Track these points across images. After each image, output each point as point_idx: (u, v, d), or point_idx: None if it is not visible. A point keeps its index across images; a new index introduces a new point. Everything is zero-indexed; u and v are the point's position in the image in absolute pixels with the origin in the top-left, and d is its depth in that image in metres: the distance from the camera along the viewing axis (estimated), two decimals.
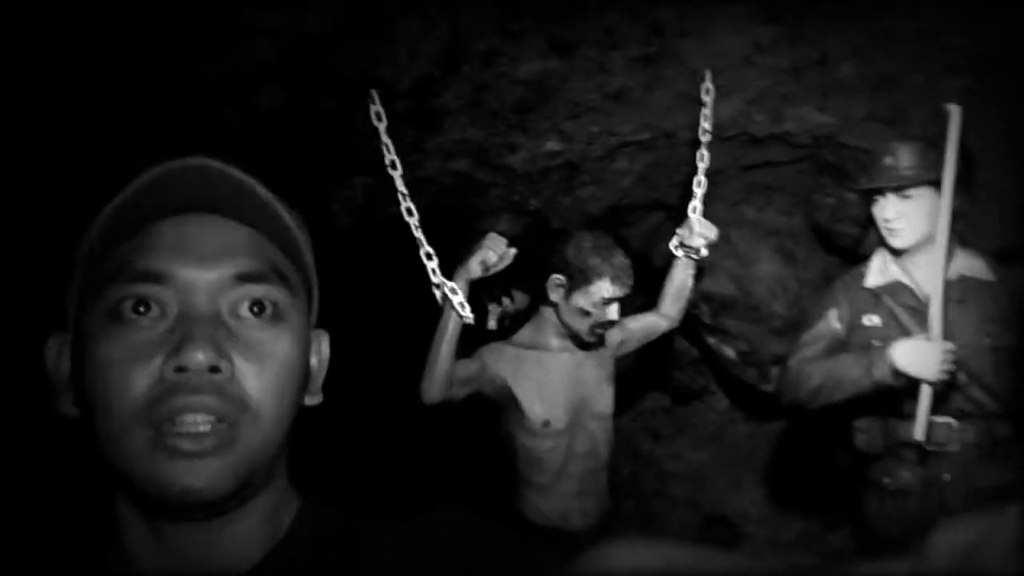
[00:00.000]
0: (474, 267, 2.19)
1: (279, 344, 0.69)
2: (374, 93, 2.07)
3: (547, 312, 2.51)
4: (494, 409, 2.53)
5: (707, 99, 2.66)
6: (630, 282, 2.42)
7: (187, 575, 0.69)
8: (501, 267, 2.24)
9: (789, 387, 2.43)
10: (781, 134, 3.04)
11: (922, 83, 2.59)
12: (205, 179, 0.68)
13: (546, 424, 2.44)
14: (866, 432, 2.43)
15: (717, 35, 2.48)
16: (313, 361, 0.78)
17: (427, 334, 2.23)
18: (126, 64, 1.40)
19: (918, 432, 2.18)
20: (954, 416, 2.28)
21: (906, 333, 2.28)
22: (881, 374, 2.20)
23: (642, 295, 3.14)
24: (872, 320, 2.38)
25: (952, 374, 2.17)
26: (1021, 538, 0.43)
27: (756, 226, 3.60)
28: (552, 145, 2.83)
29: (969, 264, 2.35)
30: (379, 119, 2.12)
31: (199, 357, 0.63)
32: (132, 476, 0.64)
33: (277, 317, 0.70)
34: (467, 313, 2.19)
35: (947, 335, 2.18)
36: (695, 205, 2.70)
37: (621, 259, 2.40)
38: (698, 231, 2.60)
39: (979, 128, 2.24)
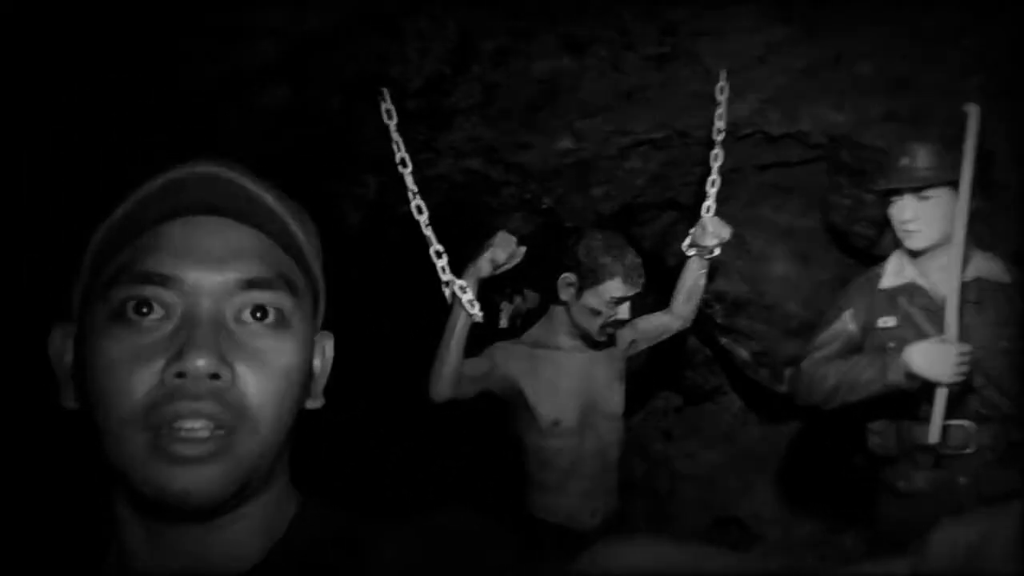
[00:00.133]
0: (484, 265, 2.18)
1: (281, 351, 0.69)
2: (385, 91, 2.07)
3: (558, 311, 2.50)
4: (503, 408, 2.52)
5: (721, 98, 2.64)
6: (641, 281, 2.41)
7: (185, 575, 0.69)
8: (511, 266, 2.24)
9: (803, 388, 2.42)
10: (796, 133, 3.02)
11: (940, 83, 2.56)
12: (214, 185, 0.68)
13: (556, 423, 2.43)
14: (880, 434, 2.41)
15: (732, 34, 2.46)
16: (316, 363, 0.78)
17: (436, 332, 2.23)
18: (128, 64, 1.40)
19: (933, 435, 2.16)
20: (970, 419, 2.25)
21: (922, 335, 2.26)
22: (896, 376, 2.18)
23: (654, 295, 3.13)
24: (887, 322, 2.37)
25: (968, 377, 2.15)
26: (1021, 537, 0.43)
27: (771, 226, 3.57)
28: (565, 144, 2.82)
29: (986, 266, 2.32)
30: (389, 117, 2.12)
31: (200, 363, 0.63)
32: (129, 477, 0.64)
33: (281, 324, 0.69)
34: (476, 311, 2.19)
35: (963, 337, 2.16)
36: (708, 204, 2.68)
37: (632, 258, 2.39)
38: (711, 231, 2.58)
39: (997, 129, 2.21)
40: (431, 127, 2.51)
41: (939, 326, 2.21)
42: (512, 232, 2.31)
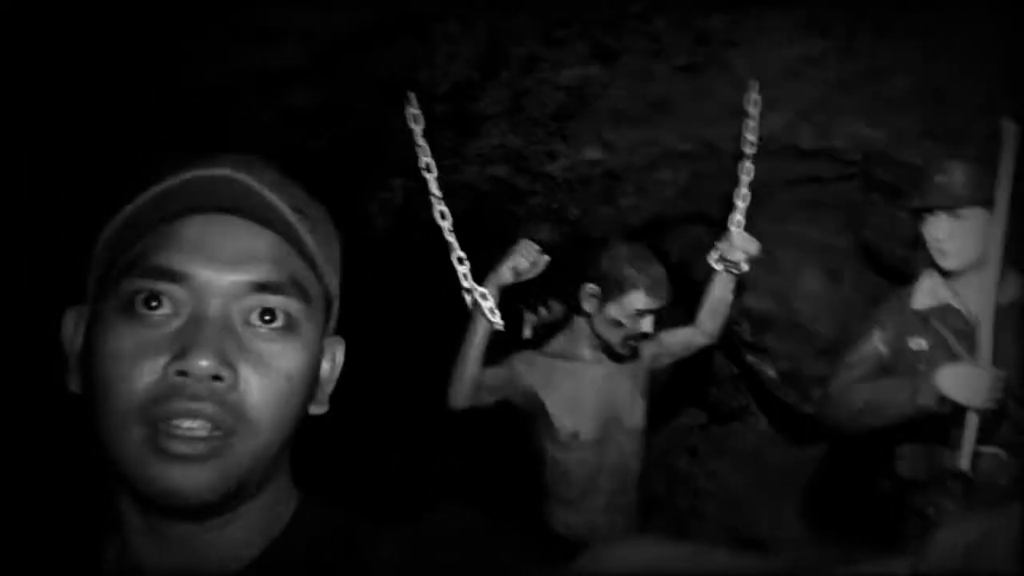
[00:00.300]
0: (505, 273, 2.17)
1: (287, 356, 0.68)
2: (411, 95, 2.07)
3: (580, 322, 2.48)
4: (523, 419, 2.50)
5: (753, 111, 2.61)
6: (666, 294, 2.38)
7: (184, 570, 0.69)
8: (533, 274, 2.22)
9: (830, 409, 2.38)
10: (830, 149, 2.97)
11: (978, 99, 2.50)
12: (233, 187, 0.67)
13: (575, 436, 2.40)
14: (909, 459, 2.36)
15: (765, 45, 2.43)
16: (325, 368, 0.77)
17: (454, 338, 2.22)
18: (149, 64, 1.41)
19: (963, 462, 2.12)
20: (1002, 447, 2.19)
21: (954, 358, 2.21)
22: (926, 400, 2.14)
23: (681, 309, 3.09)
24: (919, 343, 2.32)
25: (1001, 402, 2.09)
26: (1020, 539, 0.43)
27: (802, 242, 3.52)
28: (593, 154, 2.80)
29: (1022, 288, 2.26)
30: (415, 121, 2.12)
31: (202, 364, 0.63)
32: (124, 469, 0.64)
33: (289, 328, 0.69)
34: (497, 319, 2.18)
35: (997, 361, 2.11)
36: (737, 219, 2.65)
37: (657, 270, 2.37)
38: (739, 245, 2.55)
39: None
40: (458, 133, 2.51)
41: (972, 349, 2.16)
42: (537, 241, 2.30)
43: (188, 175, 0.67)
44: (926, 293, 2.36)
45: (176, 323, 0.65)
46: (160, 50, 1.46)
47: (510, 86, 2.31)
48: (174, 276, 0.65)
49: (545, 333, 3.03)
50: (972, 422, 2.10)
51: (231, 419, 0.64)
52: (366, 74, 1.94)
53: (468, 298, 2.21)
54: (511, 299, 2.45)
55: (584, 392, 2.44)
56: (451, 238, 2.22)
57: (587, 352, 2.49)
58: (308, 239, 0.71)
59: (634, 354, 2.52)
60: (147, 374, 0.63)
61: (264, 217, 0.69)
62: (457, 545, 0.70)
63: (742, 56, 2.46)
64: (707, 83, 2.54)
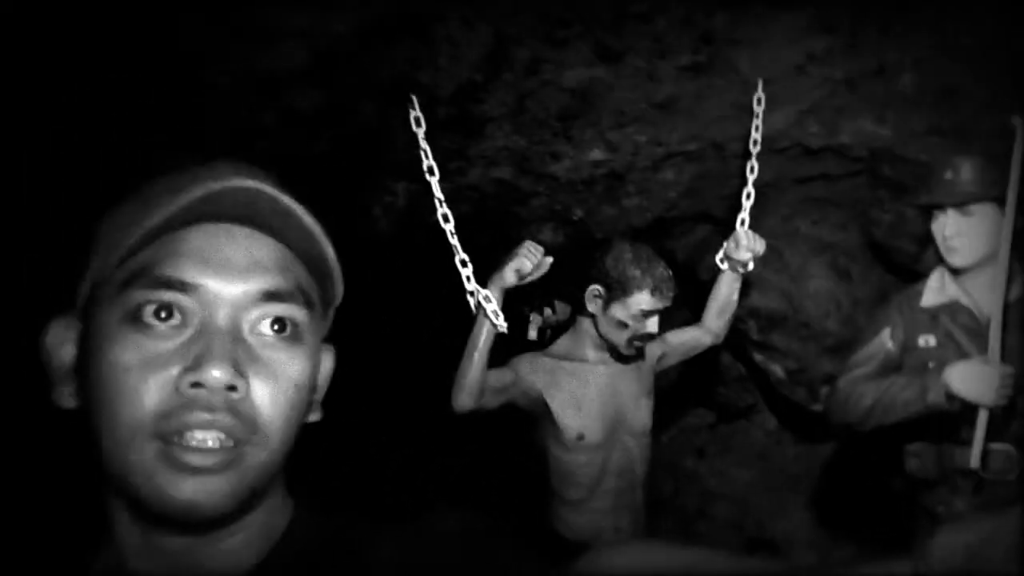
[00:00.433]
0: (508, 275, 2.16)
1: (294, 365, 0.68)
2: (413, 98, 2.06)
3: (585, 323, 2.47)
4: (527, 420, 2.49)
5: (758, 109, 2.59)
6: (671, 294, 2.37)
7: None
8: (537, 276, 2.21)
9: (839, 408, 2.37)
10: (837, 146, 2.96)
11: (985, 95, 2.48)
12: (249, 197, 0.66)
13: (580, 438, 2.39)
14: (919, 457, 2.35)
15: (770, 43, 2.41)
16: (320, 375, 0.77)
17: (458, 340, 2.21)
18: (153, 65, 1.41)
19: (974, 459, 2.10)
20: (1013, 444, 2.17)
21: (963, 355, 2.20)
22: (936, 397, 2.12)
23: (687, 309, 3.08)
24: (928, 341, 2.31)
25: (1011, 399, 2.07)
26: (1020, 540, 0.43)
27: (809, 241, 3.51)
28: (597, 154, 2.79)
29: None
30: (418, 124, 2.12)
31: (218, 375, 0.62)
32: (134, 486, 0.63)
33: (295, 337, 0.69)
34: (500, 322, 2.17)
35: (1007, 358, 2.09)
36: (743, 218, 2.63)
37: (662, 271, 2.35)
38: (745, 244, 2.53)
39: None
40: (462, 135, 2.50)
41: (982, 346, 2.14)
42: (540, 242, 2.29)
43: (211, 186, 0.65)
44: (935, 290, 2.35)
45: (184, 334, 0.64)
46: (160, 50, 1.45)
47: (513, 87, 2.30)
48: (185, 287, 0.64)
49: (550, 334, 3.03)
50: (982, 419, 2.09)
51: (244, 429, 0.64)
52: (368, 76, 1.94)
53: (471, 300, 2.20)
54: (515, 301, 2.44)
55: (589, 393, 2.42)
56: (454, 241, 2.21)
57: (592, 353, 2.48)
58: (327, 246, 0.71)
59: (639, 355, 2.50)
60: (158, 387, 0.62)
61: (277, 225, 0.69)
62: (456, 546, 0.70)
63: (746, 55, 2.45)
64: (711, 82, 2.53)
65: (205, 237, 0.67)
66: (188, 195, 0.64)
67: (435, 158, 2.19)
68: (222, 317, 0.65)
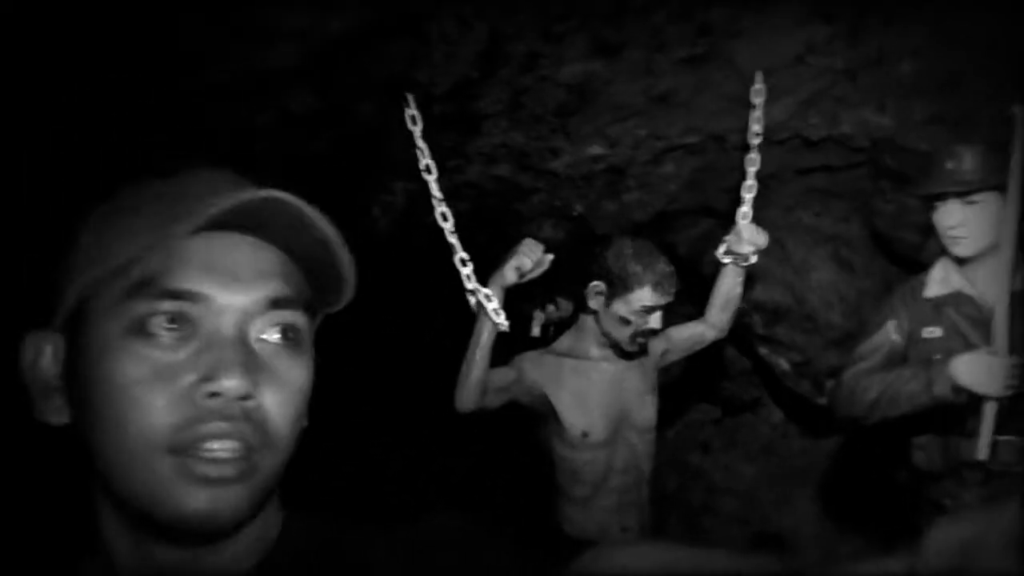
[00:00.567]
0: (509, 273, 2.15)
1: (298, 372, 0.68)
2: (409, 96, 2.05)
3: (587, 320, 2.46)
4: (531, 419, 2.48)
5: (758, 101, 2.58)
6: (673, 290, 2.36)
7: None
8: (537, 273, 2.20)
9: (844, 401, 2.35)
10: (838, 137, 2.93)
11: (987, 84, 2.46)
12: (263, 208, 0.66)
13: (584, 435, 2.38)
14: (925, 450, 2.34)
15: (768, 34, 2.39)
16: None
17: (462, 340, 2.20)
18: (140, 66, 1.39)
19: (981, 451, 2.09)
20: (1021, 435, 2.16)
21: (969, 346, 2.18)
22: (941, 389, 2.11)
23: (690, 304, 3.06)
24: (933, 332, 2.29)
25: (1018, 390, 2.06)
26: (1017, 534, 0.43)
27: (812, 232, 3.48)
28: (596, 149, 2.77)
29: None
30: (414, 122, 2.10)
31: (235, 384, 0.62)
32: (147, 501, 0.62)
33: (297, 344, 0.69)
34: (502, 320, 2.15)
35: (1013, 349, 2.07)
36: (744, 211, 2.62)
37: (663, 266, 2.34)
38: (747, 237, 2.51)
39: None
40: (459, 133, 2.48)
41: (987, 337, 2.13)
42: (541, 239, 2.27)
43: (246, 196, 0.64)
44: (939, 281, 2.33)
45: (193, 344, 0.64)
46: (159, 50, 1.44)
47: (510, 84, 2.29)
48: (194, 297, 0.64)
49: (553, 331, 3.01)
50: (989, 411, 2.08)
51: (257, 438, 0.64)
52: (364, 75, 1.92)
53: (472, 299, 2.18)
54: (518, 298, 2.43)
55: (593, 390, 2.41)
56: (453, 239, 2.20)
57: (595, 350, 2.47)
58: (345, 254, 0.70)
59: (643, 351, 2.49)
60: (171, 399, 0.62)
61: (292, 235, 0.68)
62: (451, 548, 0.69)
63: (745, 46, 2.42)
64: (710, 75, 2.51)
65: (211, 246, 0.66)
66: (217, 206, 0.63)
67: (433, 156, 2.18)
68: (230, 326, 0.65)
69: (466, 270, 2.20)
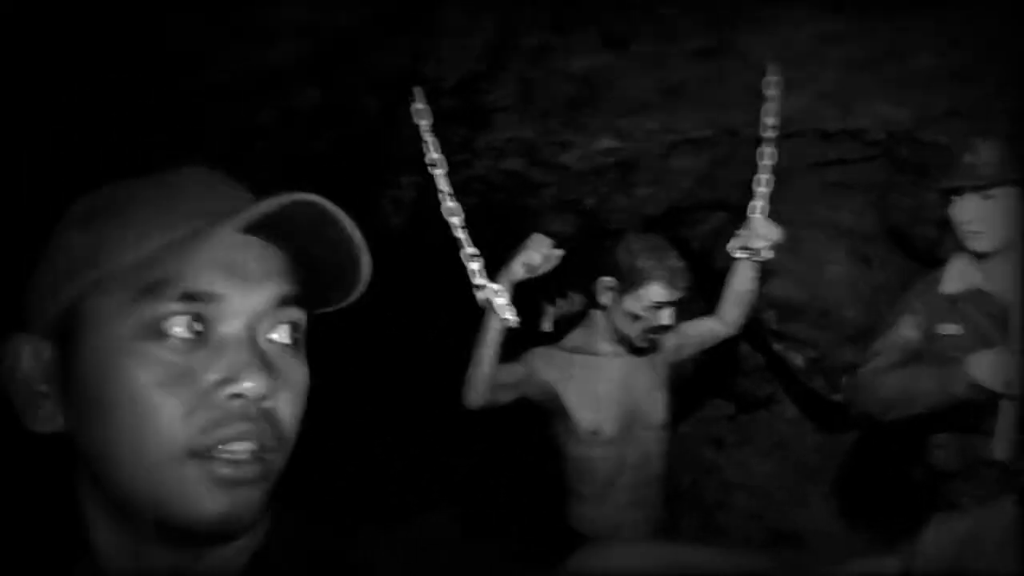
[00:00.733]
0: (517, 269, 2.13)
1: (301, 371, 0.68)
2: (417, 90, 2.03)
3: (597, 316, 2.44)
4: (541, 415, 2.47)
5: (771, 93, 2.54)
6: (684, 285, 2.33)
7: None
8: (546, 269, 2.18)
9: (859, 398, 2.33)
10: (854, 130, 2.89)
11: (1005, 76, 2.41)
12: (301, 211, 0.65)
13: (595, 432, 2.36)
14: (943, 448, 2.31)
15: (781, 25, 2.35)
16: None
17: (468, 339, 2.18)
18: (153, 65, 1.38)
19: (1000, 451, 2.06)
20: None
21: (986, 343, 2.14)
22: (958, 387, 2.08)
23: (703, 299, 3.03)
24: (950, 329, 2.26)
25: None
26: (1012, 533, 0.45)
27: (828, 227, 3.45)
28: (607, 143, 2.74)
29: None
30: (422, 117, 2.09)
31: (256, 385, 0.62)
32: (166, 505, 0.62)
33: (298, 343, 0.69)
34: (510, 316, 2.13)
35: None
36: (758, 205, 2.58)
37: (675, 261, 2.31)
38: (761, 232, 2.48)
39: None
40: (468, 127, 2.47)
41: (1005, 334, 2.09)
42: (552, 233, 2.26)
43: (286, 200, 0.63)
44: (956, 276, 2.30)
45: (208, 345, 0.63)
46: (160, 50, 1.43)
47: (519, 77, 2.26)
48: (212, 298, 0.63)
49: (565, 326, 2.99)
50: (1007, 409, 2.04)
51: (273, 437, 0.64)
52: (369, 71, 1.91)
53: (480, 296, 2.16)
54: (529, 293, 2.41)
55: (603, 387, 2.39)
56: (462, 234, 2.18)
57: (605, 346, 2.45)
58: (366, 255, 0.70)
59: (654, 347, 2.47)
60: (190, 402, 0.61)
61: (311, 238, 0.68)
62: (445, 547, 0.69)
63: (757, 38, 2.39)
64: (722, 67, 2.47)
65: (222, 246, 0.64)
66: (260, 210, 0.62)
67: (442, 151, 2.16)
68: (243, 326, 0.64)
69: (474, 265, 2.18)
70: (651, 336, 2.39)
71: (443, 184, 2.15)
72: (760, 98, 2.55)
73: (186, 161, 0.74)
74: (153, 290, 0.62)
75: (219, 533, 0.63)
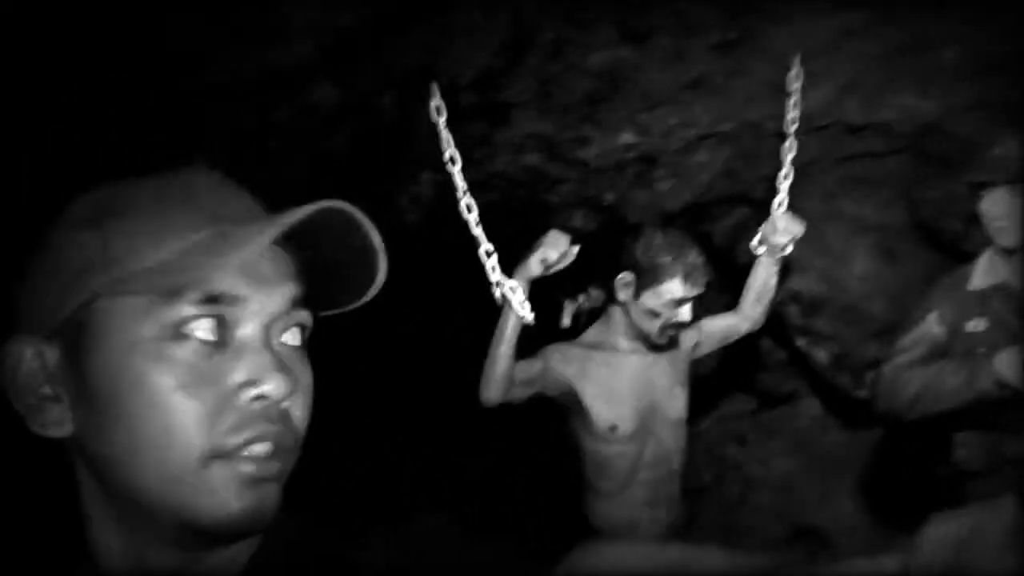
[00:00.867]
0: (534, 265, 2.11)
1: (309, 372, 0.69)
2: (433, 86, 2.02)
3: (616, 312, 2.42)
4: (558, 412, 2.46)
5: (795, 86, 2.50)
6: (704, 281, 2.30)
7: None
8: (563, 265, 2.16)
9: (883, 395, 2.30)
10: (879, 123, 2.85)
11: None
12: (326, 218, 0.65)
13: (613, 429, 2.35)
14: (968, 447, 2.27)
15: (804, 17, 2.32)
16: None
17: (483, 338, 2.17)
18: (166, 64, 1.39)
19: None
20: None
21: (1014, 340, 2.09)
22: (985, 384, 2.05)
23: (727, 294, 3.01)
24: (977, 325, 2.22)
25: None
26: (1011, 531, 0.44)
27: (853, 221, 3.40)
28: (626, 138, 2.72)
29: None
30: (438, 113, 2.08)
31: (279, 386, 0.63)
32: (190, 507, 0.62)
33: (304, 345, 0.70)
34: (527, 313, 2.12)
35: None
36: (780, 200, 2.54)
37: (694, 257, 2.29)
38: (782, 228, 2.44)
39: None
40: (487, 123, 2.46)
41: None
42: (571, 229, 2.24)
43: (317, 208, 0.64)
44: (984, 272, 2.26)
45: (229, 347, 0.63)
46: (172, 48, 1.43)
47: (537, 72, 2.25)
48: (234, 300, 0.63)
49: (584, 320, 2.98)
50: None
51: (289, 438, 0.65)
52: (385, 67, 1.90)
53: (497, 292, 2.16)
54: (548, 288, 2.40)
55: (621, 383, 2.37)
56: (478, 231, 2.17)
57: (624, 342, 2.43)
58: (384, 262, 0.70)
59: (673, 343, 2.45)
60: (215, 404, 0.61)
61: (335, 244, 0.68)
62: (440, 548, 0.70)
63: (780, 30, 2.35)
64: (744, 60, 2.44)
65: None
66: (295, 216, 0.63)
67: (460, 147, 2.15)
68: (260, 328, 0.64)
69: (491, 262, 2.17)
70: (670, 332, 2.36)
71: (459, 181, 2.14)
72: (782, 91, 2.51)
73: (188, 160, 0.74)
74: (176, 292, 0.61)
75: (242, 532, 0.63)
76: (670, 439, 2.46)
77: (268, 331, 0.65)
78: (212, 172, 0.71)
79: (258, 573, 0.68)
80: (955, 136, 2.73)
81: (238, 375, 0.62)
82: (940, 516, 0.45)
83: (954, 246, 3.05)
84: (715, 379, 3.75)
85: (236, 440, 0.61)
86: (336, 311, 0.76)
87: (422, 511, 0.72)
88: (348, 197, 0.68)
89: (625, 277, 2.33)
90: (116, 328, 0.62)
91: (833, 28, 2.35)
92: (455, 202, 2.16)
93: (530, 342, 2.29)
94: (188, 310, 0.62)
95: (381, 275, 0.71)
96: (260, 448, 0.62)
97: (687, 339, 2.53)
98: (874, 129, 2.89)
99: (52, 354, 0.65)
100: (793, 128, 2.53)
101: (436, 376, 3.44)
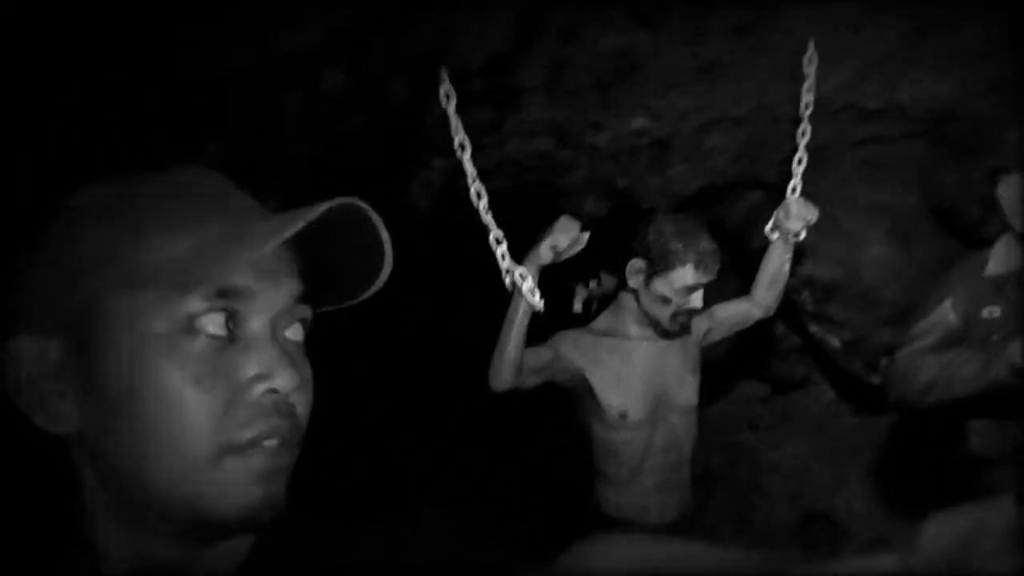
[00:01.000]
0: (544, 252, 2.10)
1: (308, 366, 0.70)
2: (443, 72, 2.01)
3: (627, 298, 2.41)
4: (569, 399, 2.45)
5: (809, 69, 2.47)
6: (716, 267, 2.29)
7: None
8: (574, 252, 2.15)
9: (897, 382, 2.28)
10: (895, 106, 2.80)
11: None
12: (351, 216, 0.66)
13: (623, 415, 2.35)
14: (983, 434, 2.26)
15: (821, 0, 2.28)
16: None
17: (491, 331, 2.17)
18: (172, 52, 1.38)
19: None
20: None
21: None
22: (1000, 372, 2.03)
23: (738, 280, 2.99)
24: (993, 312, 2.20)
25: None
26: (1012, 529, 0.42)
27: (867, 206, 3.36)
28: (639, 122, 2.69)
29: None
30: (447, 99, 2.06)
31: (289, 380, 0.63)
32: (204, 501, 0.62)
33: (304, 340, 0.71)
34: (537, 300, 2.11)
35: None
36: (794, 184, 2.52)
37: (706, 244, 2.27)
38: (796, 213, 2.42)
39: None
40: (497, 108, 2.43)
41: None
42: (584, 215, 2.23)
43: (337, 203, 0.64)
44: (1001, 258, 2.23)
45: (238, 341, 0.64)
46: (179, 37, 1.43)
47: (548, 56, 2.22)
48: (244, 294, 0.64)
49: (596, 306, 2.97)
50: None
51: (294, 433, 0.66)
52: (394, 53, 1.89)
53: (507, 279, 2.15)
54: (560, 274, 2.39)
55: (632, 370, 2.37)
56: (488, 218, 2.16)
57: (634, 329, 2.42)
58: (391, 261, 0.71)
59: (684, 330, 2.44)
60: (226, 398, 0.62)
61: (344, 241, 0.69)
62: (431, 544, 0.69)
63: (795, 11, 2.31)
64: (758, 43, 2.40)
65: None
66: (315, 213, 0.63)
67: (471, 132, 2.14)
68: (267, 322, 0.65)
69: (501, 248, 2.16)
70: (681, 319, 2.35)
71: (469, 167, 2.13)
72: (798, 75, 2.48)
73: (198, 150, 0.75)
74: (188, 287, 0.61)
75: (255, 524, 0.64)
76: (680, 426, 2.45)
77: (275, 326, 0.65)
78: (212, 171, 0.72)
79: (256, 569, 0.69)
80: (972, 120, 2.69)
81: (249, 369, 0.62)
82: (939, 514, 0.45)
83: (970, 232, 3.01)
84: (728, 365, 3.73)
85: (249, 434, 0.62)
86: (335, 307, 0.76)
87: (428, 505, 0.72)
88: (358, 184, 0.68)
89: (636, 264, 2.31)
90: (126, 324, 0.62)
91: (850, 9, 2.32)
92: (466, 188, 2.15)
93: (541, 328, 2.29)
94: (199, 304, 0.62)
95: (386, 271, 0.71)
96: (271, 441, 0.63)
97: (698, 326, 2.51)
98: (890, 113, 2.85)
99: (55, 351, 0.65)
100: (807, 112, 2.50)
101: (448, 362, 3.44)
